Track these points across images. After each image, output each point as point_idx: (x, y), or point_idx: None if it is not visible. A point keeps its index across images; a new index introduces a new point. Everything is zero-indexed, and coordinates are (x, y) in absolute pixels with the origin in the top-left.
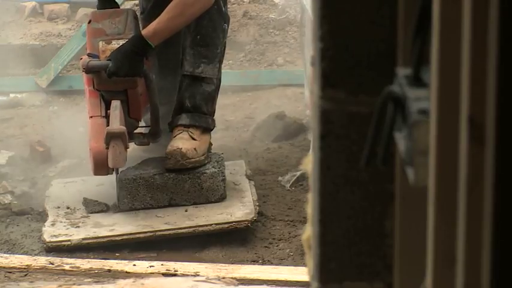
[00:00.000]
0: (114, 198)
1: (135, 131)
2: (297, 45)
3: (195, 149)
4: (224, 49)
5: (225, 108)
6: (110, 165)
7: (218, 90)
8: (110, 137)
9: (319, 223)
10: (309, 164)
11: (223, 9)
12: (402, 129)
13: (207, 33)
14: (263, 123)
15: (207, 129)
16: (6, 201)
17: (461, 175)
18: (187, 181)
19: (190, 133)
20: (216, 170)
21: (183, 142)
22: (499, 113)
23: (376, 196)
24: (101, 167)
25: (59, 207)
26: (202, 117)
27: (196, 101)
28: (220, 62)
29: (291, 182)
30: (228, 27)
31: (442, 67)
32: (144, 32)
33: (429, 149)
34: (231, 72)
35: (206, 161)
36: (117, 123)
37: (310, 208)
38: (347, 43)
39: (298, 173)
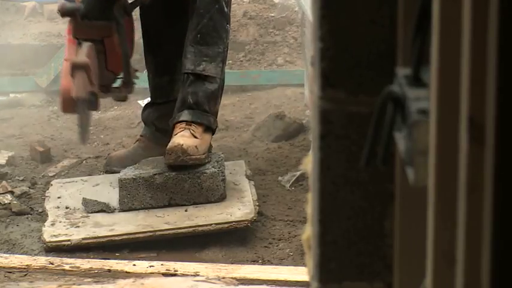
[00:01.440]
0: (114, 198)
1: (112, 86)
2: (297, 45)
3: (196, 146)
4: (227, 49)
5: (225, 108)
6: (73, 94)
7: (222, 90)
8: (74, 68)
9: (319, 223)
10: (308, 164)
11: (226, 9)
12: (402, 129)
13: (208, 31)
14: (263, 123)
15: (209, 128)
16: (6, 201)
17: (461, 175)
18: (187, 181)
19: (192, 131)
20: (216, 170)
21: (185, 139)
22: (499, 113)
23: (376, 196)
24: (68, 103)
25: (58, 207)
26: (204, 115)
27: (199, 98)
28: (224, 62)
29: (290, 182)
30: (229, 27)
31: (442, 67)
32: None
33: (429, 149)
34: (230, 72)
35: (206, 161)
36: (82, 56)
37: (310, 208)
38: (347, 43)
39: (298, 173)
